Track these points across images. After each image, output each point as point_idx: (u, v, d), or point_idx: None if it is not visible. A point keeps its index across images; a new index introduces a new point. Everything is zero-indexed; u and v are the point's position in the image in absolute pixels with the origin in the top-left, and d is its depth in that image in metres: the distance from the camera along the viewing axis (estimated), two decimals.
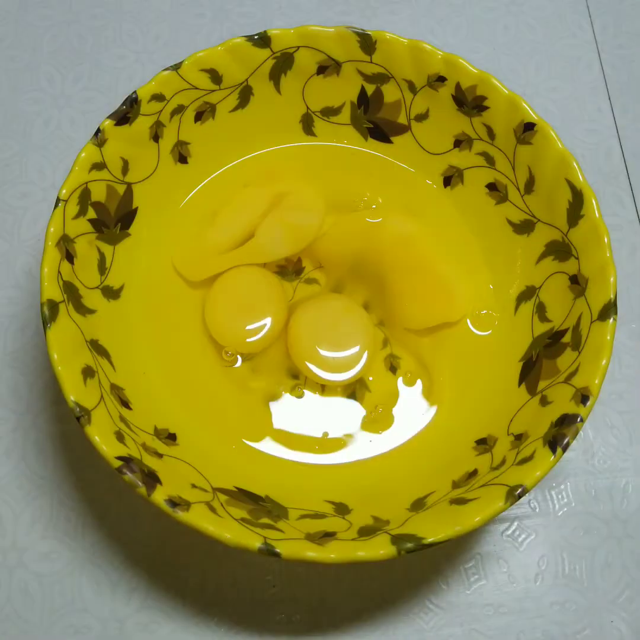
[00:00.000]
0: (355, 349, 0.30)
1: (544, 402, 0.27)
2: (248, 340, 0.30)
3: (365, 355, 0.30)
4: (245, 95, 0.32)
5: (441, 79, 0.31)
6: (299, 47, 0.31)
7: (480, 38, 0.40)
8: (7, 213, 0.35)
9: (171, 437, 0.28)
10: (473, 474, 0.26)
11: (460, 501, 0.25)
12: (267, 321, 0.30)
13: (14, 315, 0.33)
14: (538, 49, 0.40)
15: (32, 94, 0.38)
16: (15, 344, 0.33)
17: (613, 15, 0.41)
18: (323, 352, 0.30)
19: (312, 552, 0.23)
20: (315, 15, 0.39)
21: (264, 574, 0.29)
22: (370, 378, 0.30)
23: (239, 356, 0.30)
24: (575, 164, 0.29)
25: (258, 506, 0.26)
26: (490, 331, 0.30)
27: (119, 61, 0.38)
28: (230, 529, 0.24)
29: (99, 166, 0.29)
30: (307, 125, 0.33)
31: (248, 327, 0.30)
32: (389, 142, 0.33)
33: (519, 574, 0.30)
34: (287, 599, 0.29)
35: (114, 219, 0.30)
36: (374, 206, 0.32)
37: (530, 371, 0.28)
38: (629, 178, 0.37)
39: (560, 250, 0.29)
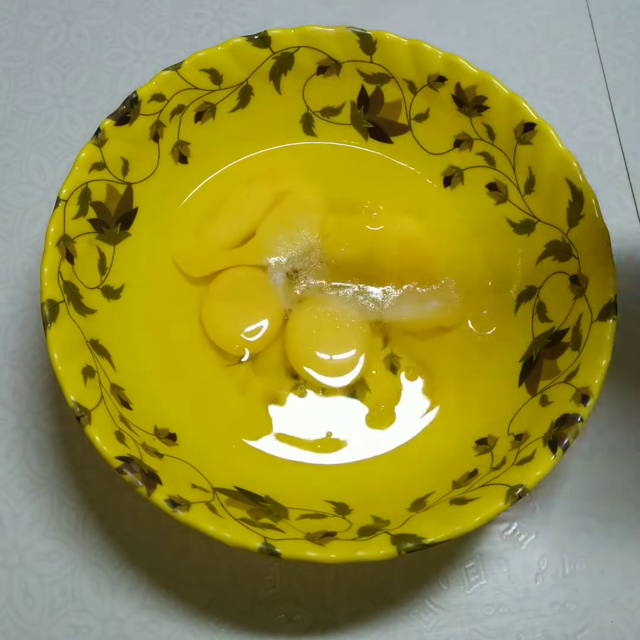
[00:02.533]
0: (352, 353, 0.30)
1: (544, 402, 0.27)
2: (246, 341, 0.30)
3: (362, 358, 0.30)
4: (245, 95, 0.32)
5: (441, 79, 0.31)
6: (299, 47, 0.31)
7: (481, 38, 0.40)
8: (7, 213, 0.35)
9: (171, 437, 0.28)
10: (473, 474, 0.26)
11: (460, 501, 0.25)
12: (264, 323, 0.30)
13: (14, 315, 0.33)
14: (538, 48, 0.40)
15: (32, 93, 0.38)
16: (16, 343, 0.33)
17: (613, 15, 0.41)
18: (320, 356, 0.30)
19: (313, 552, 0.23)
20: (316, 15, 0.39)
21: (264, 573, 0.29)
22: (373, 372, 0.30)
23: (246, 349, 0.30)
24: (575, 164, 0.29)
25: (258, 506, 0.26)
26: (491, 331, 0.30)
27: (119, 61, 0.38)
28: (230, 529, 0.24)
29: (99, 166, 0.29)
30: (307, 125, 0.33)
31: (245, 330, 0.30)
32: (389, 142, 0.33)
33: (519, 574, 0.30)
34: (287, 599, 0.29)
35: (114, 218, 0.30)
36: (375, 214, 0.32)
37: (531, 371, 0.28)
38: (629, 178, 0.37)
39: (560, 250, 0.29)
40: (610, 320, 0.26)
